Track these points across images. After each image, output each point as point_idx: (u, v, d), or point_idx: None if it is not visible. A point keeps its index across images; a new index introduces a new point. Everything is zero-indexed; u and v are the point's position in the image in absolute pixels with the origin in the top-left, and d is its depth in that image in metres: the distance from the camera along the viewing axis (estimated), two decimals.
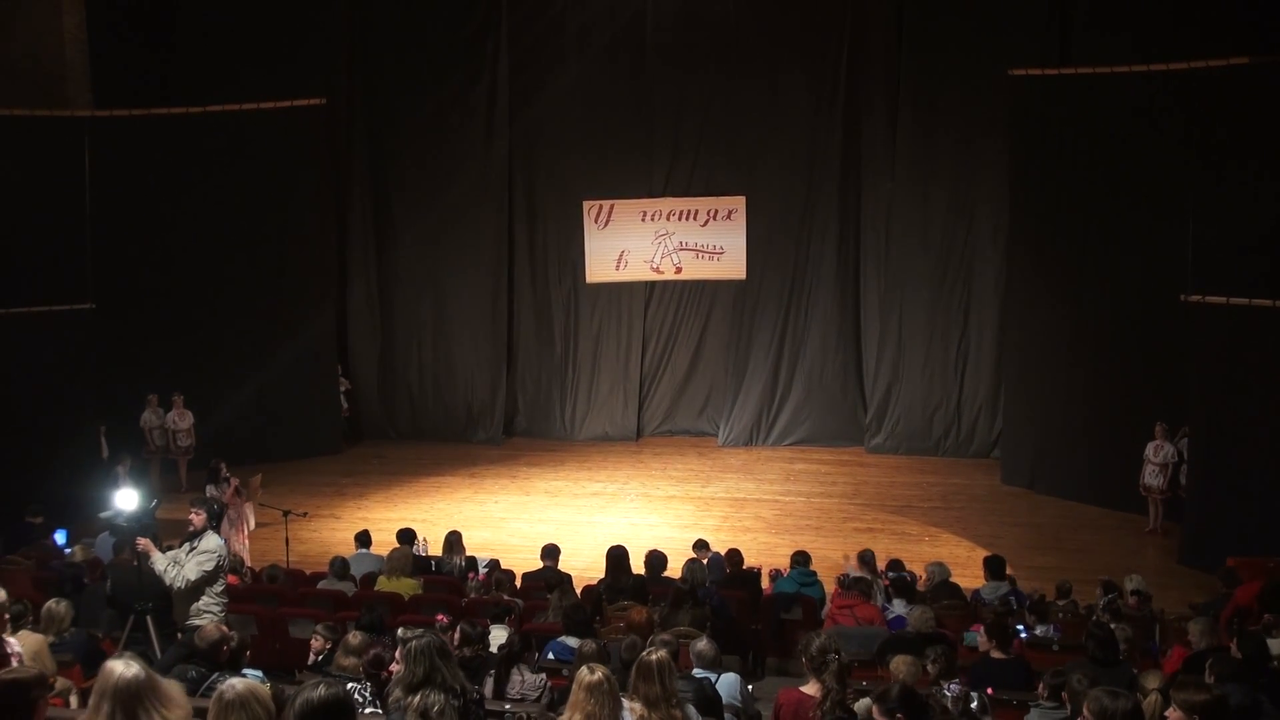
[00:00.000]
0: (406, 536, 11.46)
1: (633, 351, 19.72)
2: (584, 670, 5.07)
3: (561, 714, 5.04)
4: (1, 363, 14.36)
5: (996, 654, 7.66)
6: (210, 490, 13.33)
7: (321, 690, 3.75)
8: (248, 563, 12.21)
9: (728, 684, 6.51)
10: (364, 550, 11.59)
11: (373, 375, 20.10)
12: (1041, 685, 6.74)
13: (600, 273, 19.47)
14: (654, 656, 5.31)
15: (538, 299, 19.88)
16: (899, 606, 9.75)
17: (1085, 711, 4.86)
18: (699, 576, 9.40)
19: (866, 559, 10.95)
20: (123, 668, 3.89)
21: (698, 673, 6.45)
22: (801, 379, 19.08)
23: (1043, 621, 9.42)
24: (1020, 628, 9.08)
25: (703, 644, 6.71)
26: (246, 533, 13.27)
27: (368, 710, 6.09)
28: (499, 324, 19.73)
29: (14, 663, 6.33)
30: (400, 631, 7.10)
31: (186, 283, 17.30)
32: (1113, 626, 8.14)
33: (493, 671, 6.70)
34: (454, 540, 11.56)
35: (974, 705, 6.41)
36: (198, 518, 8.15)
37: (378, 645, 6.77)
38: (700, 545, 11.63)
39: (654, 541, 12.19)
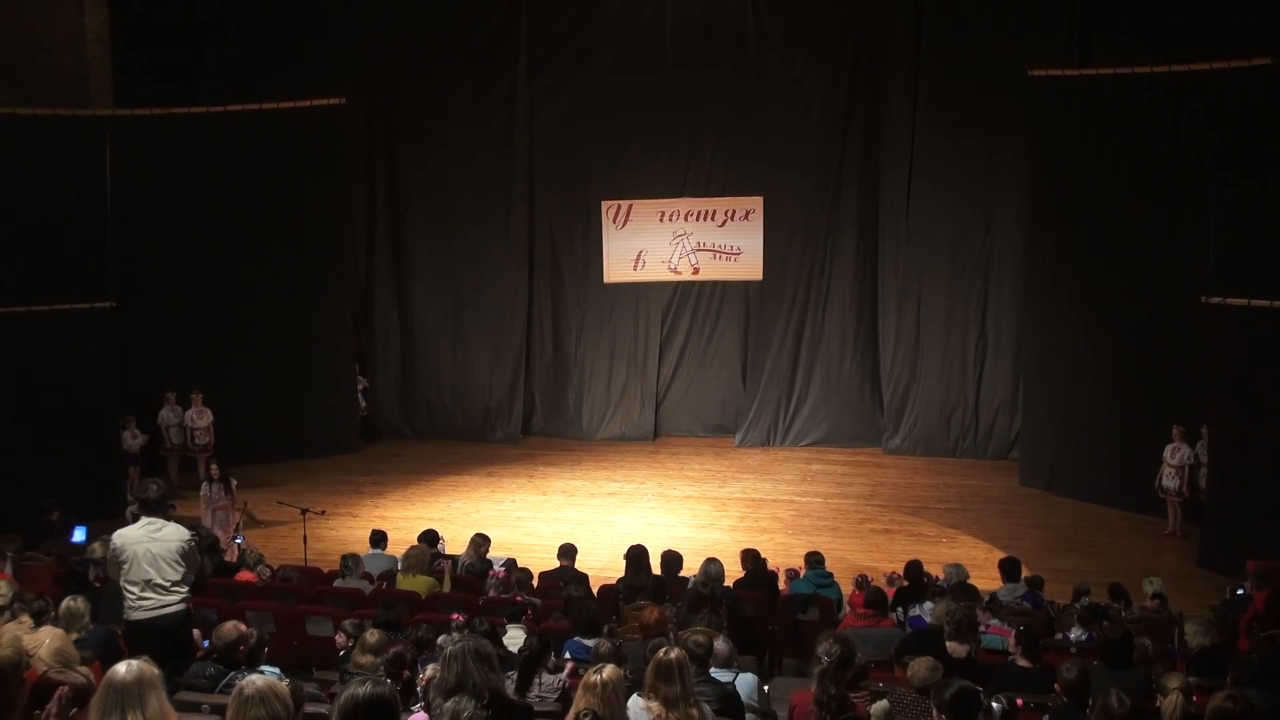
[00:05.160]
0: (430, 537, 11.48)
1: (650, 351, 19.73)
2: (590, 674, 5.12)
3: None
4: (22, 360, 14.44)
5: (1023, 662, 7.61)
6: (204, 490, 13.43)
7: (368, 688, 3.77)
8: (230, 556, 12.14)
9: (745, 685, 6.51)
10: (377, 550, 11.61)
11: (391, 374, 20.18)
12: (1058, 685, 6.71)
13: (618, 273, 19.48)
14: (673, 655, 5.33)
15: (556, 299, 19.91)
16: (915, 608, 9.70)
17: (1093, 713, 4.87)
18: (715, 577, 9.38)
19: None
20: (124, 670, 3.93)
21: (716, 674, 6.46)
22: (819, 380, 19.06)
23: (1083, 626, 9.31)
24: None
25: (719, 642, 6.72)
26: (230, 533, 13.24)
27: None
28: (517, 323, 19.77)
29: None
30: (441, 639, 7.13)
31: (206, 282, 17.37)
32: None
33: (512, 672, 6.71)
34: (477, 542, 11.53)
35: (996, 709, 6.34)
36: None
37: (399, 644, 6.79)
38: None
39: (670, 541, 12.18)
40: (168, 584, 7.58)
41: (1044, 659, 8.02)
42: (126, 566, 7.60)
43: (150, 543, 7.59)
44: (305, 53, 18.21)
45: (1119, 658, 7.31)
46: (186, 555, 7.73)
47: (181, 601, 7.66)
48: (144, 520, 7.70)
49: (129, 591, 7.62)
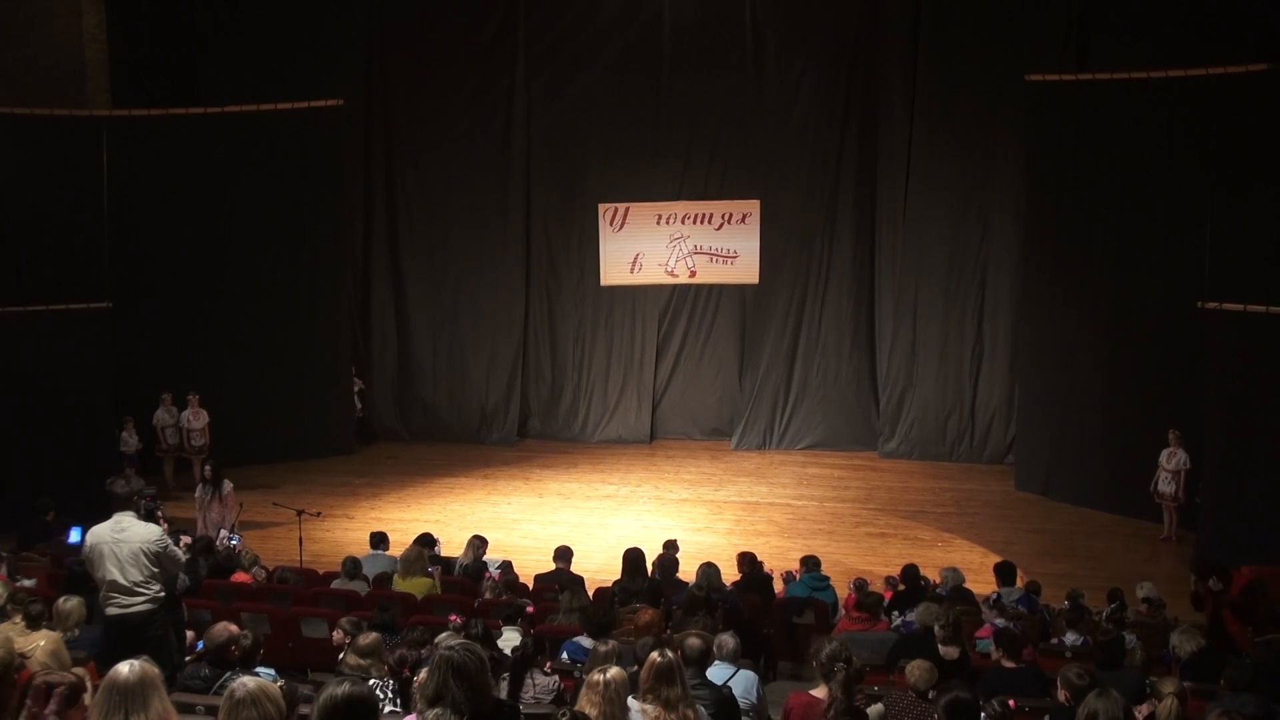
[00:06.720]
0: (426, 540, 11.46)
1: (646, 354, 19.73)
2: (595, 673, 5.13)
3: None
4: (19, 361, 14.40)
5: (1007, 663, 7.63)
6: (199, 492, 13.41)
7: (346, 687, 3.78)
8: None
9: (744, 681, 6.52)
10: (378, 551, 11.59)
11: (388, 376, 20.16)
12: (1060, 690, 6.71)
13: (615, 276, 19.49)
14: (669, 657, 5.34)
15: (553, 301, 19.91)
16: (910, 613, 9.71)
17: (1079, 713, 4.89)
18: (714, 581, 9.38)
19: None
20: (127, 670, 3.94)
21: (717, 670, 6.46)
22: (815, 383, 19.06)
23: (1076, 630, 9.34)
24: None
25: (726, 635, 6.76)
26: (222, 535, 13.18)
27: (387, 710, 6.11)
28: (514, 325, 19.77)
29: None
30: (439, 638, 7.11)
31: (203, 282, 17.35)
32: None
33: (505, 675, 6.71)
34: (475, 544, 11.51)
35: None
36: None
37: (402, 645, 6.79)
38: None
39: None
40: (130, 584, 7.57)
41: (1036, 661, 8.04)
42: (94, 564, 7.63)
43: (114, 542, 7.59)
44: (303, 54, 18.20)
45: (1109, 659, 7.33)
46: (158, 556, 7.67)
47: (149, 601, 7.63)
48: (115, 518, 7.70)
49: (101, 589, 7.66)
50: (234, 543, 12.18)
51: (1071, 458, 16.08)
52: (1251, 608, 9.79)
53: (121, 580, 7.55)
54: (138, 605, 7.58)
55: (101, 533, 7.65)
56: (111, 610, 7.58)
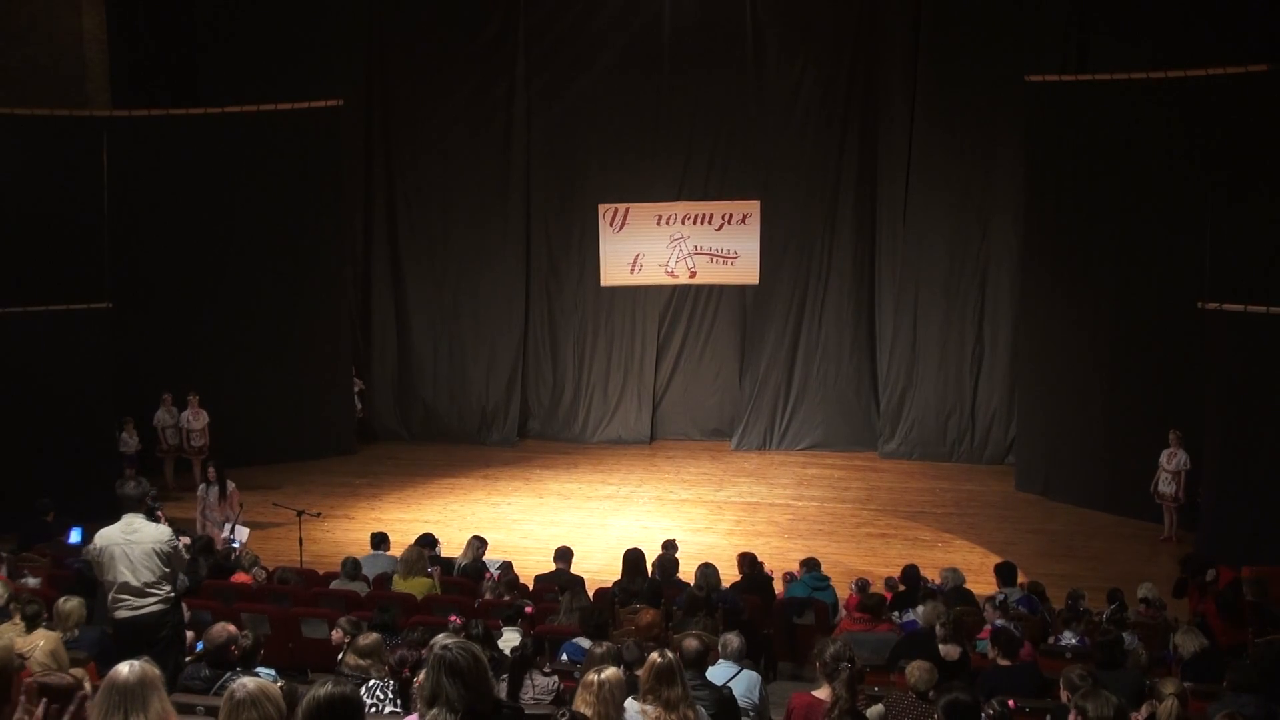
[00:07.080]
0: (427, 541, 11.45)
1: (647, 355, 19.73)
2: (590, 674, 5.14)
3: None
4: (19, 361, 14.39)
5: (1003, 661, 7.63)
6: (200, 491, 13.41)
7: (329, 687, 3.78)
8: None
9: (746, 681, 6.51)
10: (378, 552, 11.58)
11: (388, 376, 20.16)
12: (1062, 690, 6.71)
13: (615, 276, 19.48)
14: (670, 658, 5.34)
15: (553, 301, 19.92)
16: (909, 613, 9.72)
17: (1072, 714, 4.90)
18: (712, 581, 9.38)
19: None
20: (127, 670, 3.95)
21: (720, 669, 6.45)
22: (815, 384, 19.06)
23: (1072, 630, 9.34)
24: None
25: (731, 635, 6.77)
26: (221, 536, 13.18)
27: (387, 710, 6.10)
28: (514, 326, 19.77)
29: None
30: (435, 639, 7.10)
31: (203, 283, 17.33)
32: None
33: (505, 675, 6.71)
34: (474, 544, 11.50)
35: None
36: None
37: (402, 646, 6.79)
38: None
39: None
40: (141, 585, 7.54)
41: (1035, 660, 8.04)
42: (104, 566, 7.61)
43: (126, 544, 7.55)
44: (303, 54, 18.21)
45: (1109, 659, 7.32)
46: (168, 557, 7.66)
47: (160, 602, 7.61)
48: (125, 519, 7.67)
49: (110, 591, 7.63)
50: (236, 544, 12.19)
51: (1071, 458, 16.08)
52: (1233, 604, 9.82)
53: (134, 581, 7.54)
54: (149, 606, 7.58)
55: (111, 534, 7.62)
56: (122, 613, 7.56)
